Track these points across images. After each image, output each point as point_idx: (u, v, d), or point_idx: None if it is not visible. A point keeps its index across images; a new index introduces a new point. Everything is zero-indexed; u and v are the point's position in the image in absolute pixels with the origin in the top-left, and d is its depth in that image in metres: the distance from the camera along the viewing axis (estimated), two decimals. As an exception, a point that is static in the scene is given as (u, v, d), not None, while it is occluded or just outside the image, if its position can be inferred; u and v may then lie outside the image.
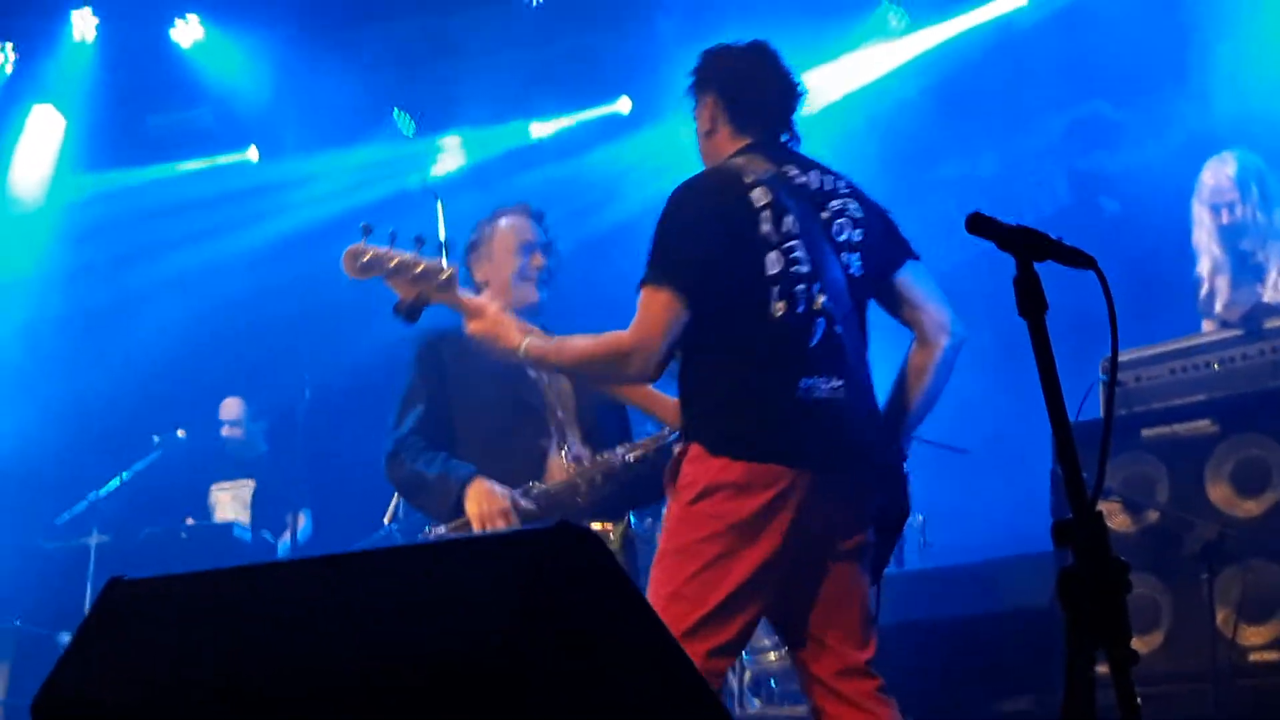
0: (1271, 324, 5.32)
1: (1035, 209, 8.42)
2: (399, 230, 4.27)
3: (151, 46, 9.85)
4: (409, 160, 10.16)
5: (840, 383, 3.86)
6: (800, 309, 3.85)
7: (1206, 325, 6.03)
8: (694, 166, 4.18)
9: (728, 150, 4.08)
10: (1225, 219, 6.11)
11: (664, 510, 3.93)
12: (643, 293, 3.84)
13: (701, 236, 3.85)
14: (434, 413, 5.01)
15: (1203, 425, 5.24)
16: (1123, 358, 5.41)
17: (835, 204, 4.01)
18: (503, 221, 5.15)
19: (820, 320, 3.87)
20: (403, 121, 10.11)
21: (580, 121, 9.91)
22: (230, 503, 8.76)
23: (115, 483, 8.19)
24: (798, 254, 3.87)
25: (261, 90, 9.87)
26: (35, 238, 10.22)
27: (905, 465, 4.06)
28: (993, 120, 8.80)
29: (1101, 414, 5.28)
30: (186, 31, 9.78)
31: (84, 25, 9.77)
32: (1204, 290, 6.20)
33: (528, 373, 5.01)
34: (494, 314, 4.22)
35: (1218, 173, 6.15)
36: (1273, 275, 5.95)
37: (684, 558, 3.72)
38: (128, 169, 10.38)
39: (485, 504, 4.71)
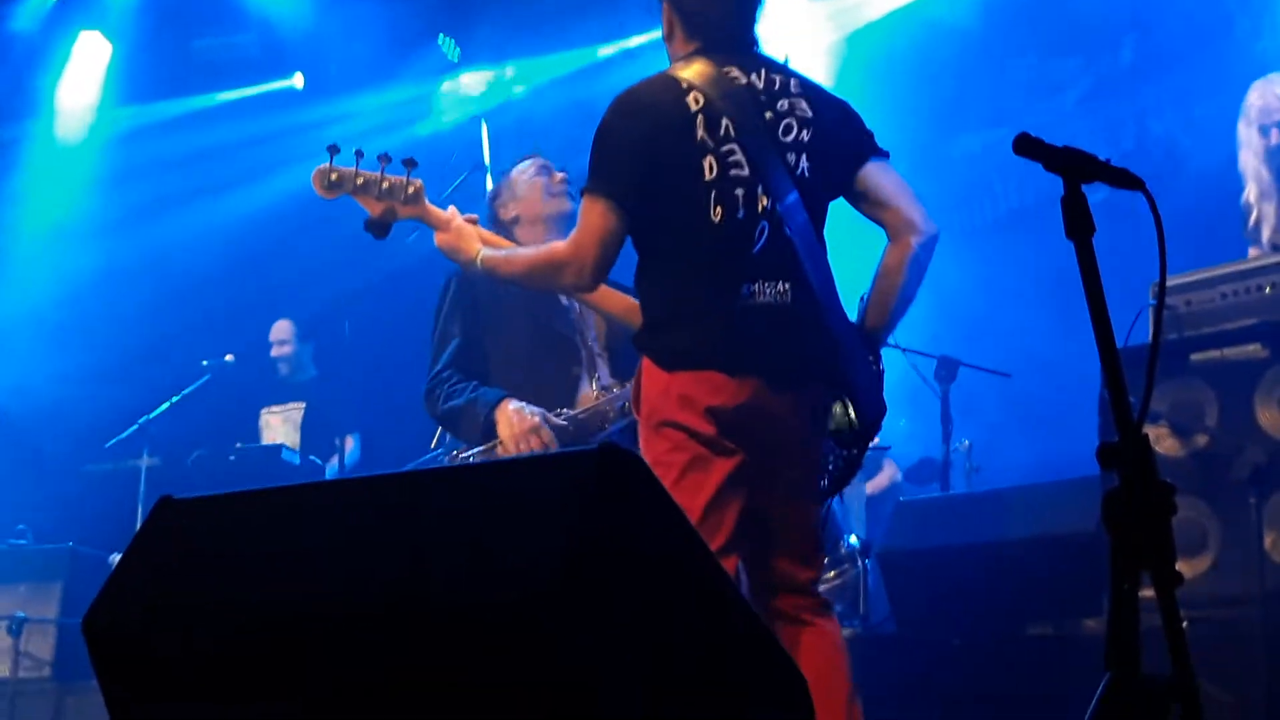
0: (1324, 247, 5.29)
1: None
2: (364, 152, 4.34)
3: (197, -29, 9.88)
4: (452, 89, 10.16)
5: (787, 286, 3.84)
6: (740, 214, 3.82)
7: (1253, 252, 5.97)
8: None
9: (681, 53, 4.03)
10: (1275, 139, 6.04)
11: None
12: (582, 202, 3.88)
13: (636, 145, 3.84)
14: (469, 345, 5.14)
15: (1253, 349, 5.21)
16: (1171, 282, 5.37)
17: (782, 104, 3.93)
18: (517, 166, 5.34)
19: (764, 224, 3.84)
20: (447, 47, 10.09)
21: (632, 48, 9.85)
22: (280, 425, 8.82)
23: (164, 407, 8.25)
24: (736, 155, 3.84)
25: (306, 16, 9.86)
26: (82, 169, 10.26)
27: (881, 365, 4.05)
28: (1027, 47, 8.73)
29: (1150, 338, 5.26)
30: (231, -45, 9.81)
31: (130, -50, 9.81)
32: (1252, 217, 6.14)
33: (560, 302, 5.13)
34: (457, 225, 4.28)
35: (1266, 92, 6.07)
36: None
37: (661, 469, 3.70)
38: (175, 99, 10.40)
39: (515, 423, 4.83)
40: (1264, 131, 6.06)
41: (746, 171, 3.83)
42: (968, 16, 8.77)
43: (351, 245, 9.02)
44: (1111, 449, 2.27)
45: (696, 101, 3.84)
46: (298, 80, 10.43)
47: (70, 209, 10.07)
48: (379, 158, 4.27)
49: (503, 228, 5.21)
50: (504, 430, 4.84)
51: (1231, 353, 5.25)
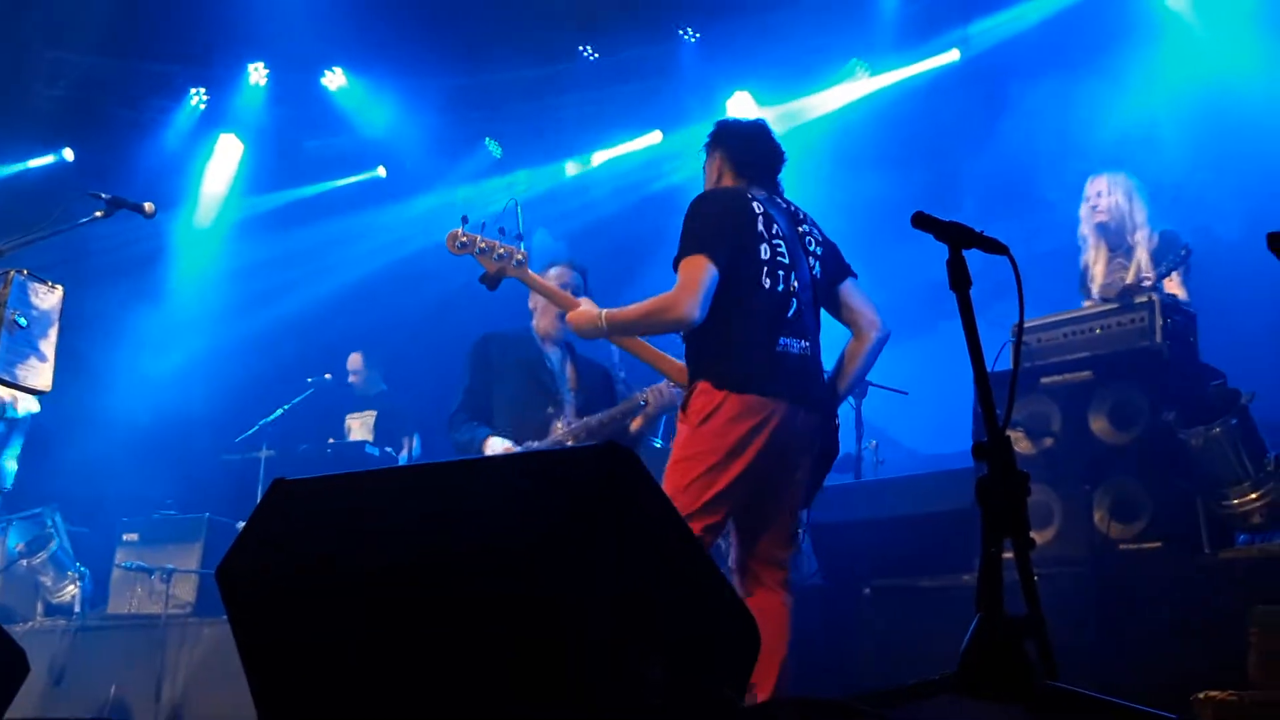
0: (1139, 300, 5.27)
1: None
2: (488, 224, 4.41)
3: (307, 90, 9.86)
4: (498, 180, 10.15)
5: (806, 344, 3.98)
6: (781, 288, 3.95)
7: (1086, 303, 5.97)
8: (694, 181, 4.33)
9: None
10: (1101, 210, 6.05)
11: (675, 430, 3.98)
12: (681, 265, 3.89)
13: (720, 224, 3.94)
14: (476, 390, 5.46)
15: (1086, 375, 5.22)
16: (1026, 324, 5.38)
17: (804, 226, 4.15)
18: (553, 270, 5.49)
19: (794, 299, 3.98)
20: (492, 147, 10.08)
21: (628, 152, 9.84)
22: (359, 428, 8.75)
23: (279, 412, 8.21)
24: (782, 249, 4.00)
25: (388, 124, 9.86)
26: (215, 244, 10.22)
27: (838, 415, 4.18)
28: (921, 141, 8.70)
29: (1011, 366, 5.24)
30: (333, 79, 9.79)
31: (258, 74, 9.76)
32: (1088, 275, 6.14)
33: (546, 364, 5.47)
34: (579, 303, 4.31)
35: (1095, 181, 6.13)
36: (1138, 259, 5.89)
37: (691, 463, 3.80)
38: (291, 189, 10.39)
39: (493, 450, 5.13)
40: (1094, 209, 6.08)
41: (787, 261, 3.99)
42: (876, 120, 8.77)
43: (416, 295, 9.08)
44: (982, 447, 2.26)
45: (758, 207, 4.02)
46: (381, 171, 10.41)
47: (209, 272, 10.03)
48: (499, 230, 4.36)
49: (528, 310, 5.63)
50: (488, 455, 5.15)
51: (1071, 377, 5.25)
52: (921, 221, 2.41)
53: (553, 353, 5.54)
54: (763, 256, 3.94)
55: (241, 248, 10.11)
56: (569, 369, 5.53)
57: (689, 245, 3.91)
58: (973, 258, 2.47)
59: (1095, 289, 6.01)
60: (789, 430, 3.86)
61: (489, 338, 5.56)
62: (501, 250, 4.35)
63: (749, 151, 4.22)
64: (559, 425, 5.32)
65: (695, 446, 3.82)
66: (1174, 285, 5.70)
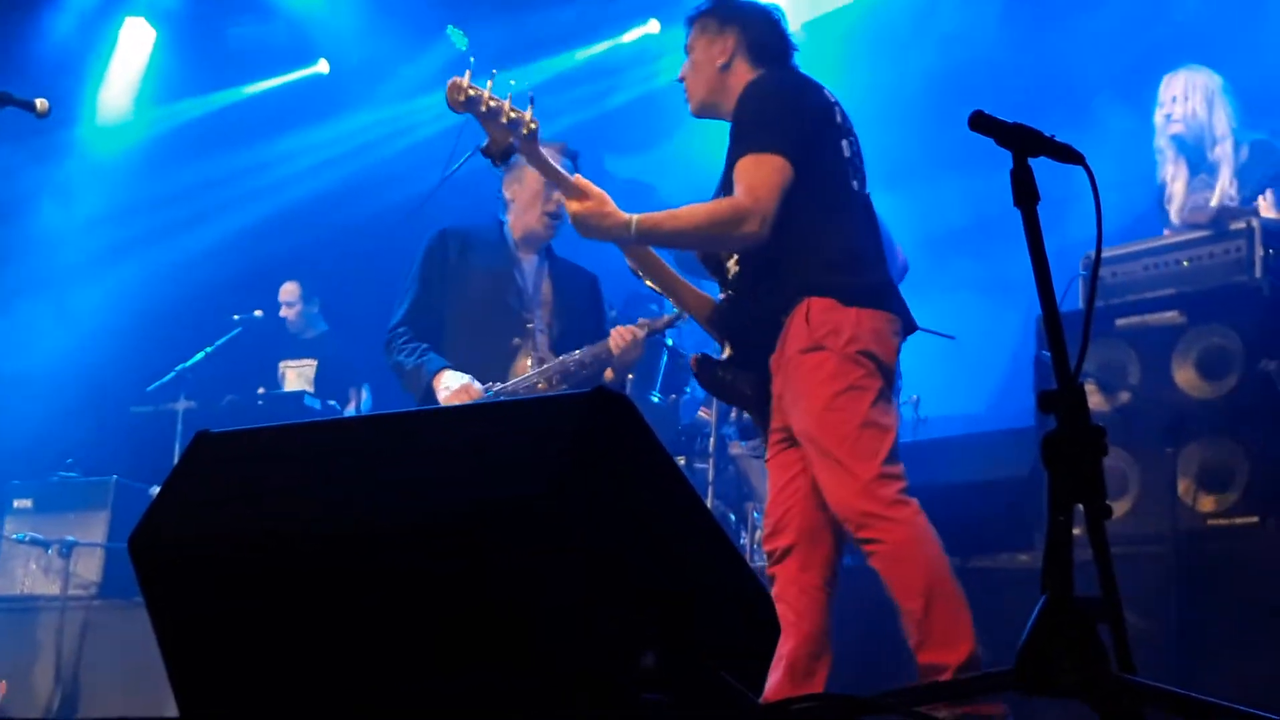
0: (1236, 226, 5.26)
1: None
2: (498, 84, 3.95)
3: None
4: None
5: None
6: (862, 190, 3.97)
7: (1166, 232, 5.95)
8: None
9: (743, 82, 4.02)
10: (1176, 119, 6.01)
11: (796, 360, 3.77)
12: (748, 161, 3.77)
13: (800, 114, 3.87)
14: (424, 301, 5.17)
15: (1171, 316, 5.21)
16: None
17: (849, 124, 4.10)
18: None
19: (869, 205, 4.02)
20: (456, 37, 9.99)
21: (617, 45, 9.78)
22: (296, 379, 8.75)
23: (200, 356, 8.20)
24: (853, 146, 3.98)
25: (330, 7, 9.77)
26: (123, 155, 10.12)
27: None
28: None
29: (1082, 304, 5.25)
30: (260, -53, 9.70)
31: (172, -57, 9.68)
32: (1166, 195, 6.12)
33: (516, 278, 5.18)
34: (599, 195, 3.86)
35: (1170, 81, 6.06)
36: (1224, 176, 5.86)
37: (858, 393, 3.69)
38: (215, 91, 10.27)
39: (450, 389, 4.90)
40: (1168, 117, 6.04)
41: (859, 162, 3.98)
42: (908, 13, 8.73)
43: (365, 220, 9.03)
44: (1051, 395, 2.25)
45: (831, 96, 3.99)
46: (322, 66, 10.31)
47: (114, 192, 9.94)
48: (509, 84, 3.92)
49: (503, 201, 5.32)
50: (442, 395, 4.91)
51: (1152, 319, 5.24)
52: (981, 123, 2.38)
53: (528, 263, 5.27)
54: (845, 154, 3.92)
55: (154, 161, 10.02)
56: (545, 285, 5.26)
57: (760, 137, 3.78)
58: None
59: (1173, 212, 5.99)
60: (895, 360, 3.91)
61: (449, 234, 5.25)
62: (512, 115, 3.84)
63: (773, 34, 4.11)
64: (527, 362, 5.09)
65: (855, 371, 3.70)
66: (1270, 208, 5.68)
